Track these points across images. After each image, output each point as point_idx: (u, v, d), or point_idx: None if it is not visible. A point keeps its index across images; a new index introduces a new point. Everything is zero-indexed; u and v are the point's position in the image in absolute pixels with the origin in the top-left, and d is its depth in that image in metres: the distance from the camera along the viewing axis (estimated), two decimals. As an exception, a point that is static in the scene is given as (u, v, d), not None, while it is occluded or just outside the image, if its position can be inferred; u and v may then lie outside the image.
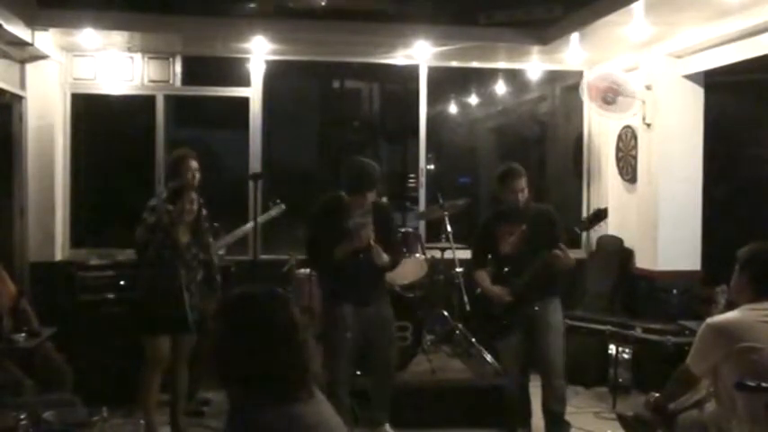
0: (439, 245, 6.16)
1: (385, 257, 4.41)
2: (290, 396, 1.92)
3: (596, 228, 4.58)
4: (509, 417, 4.72)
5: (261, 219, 5.42)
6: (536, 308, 4.48)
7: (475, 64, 6.96)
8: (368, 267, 4.40)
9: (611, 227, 6.56)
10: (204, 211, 4.65)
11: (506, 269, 4.54)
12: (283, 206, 5.67)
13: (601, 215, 4.46)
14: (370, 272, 4.43)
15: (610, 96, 5.97)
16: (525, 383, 4.68)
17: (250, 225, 5.41)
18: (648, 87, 5.92)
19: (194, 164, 4.72)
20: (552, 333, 4.50)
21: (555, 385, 4.51)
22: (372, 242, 4.35)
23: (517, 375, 4.62)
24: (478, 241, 4.75)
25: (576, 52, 6.19)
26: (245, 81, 6.61)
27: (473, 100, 8.52)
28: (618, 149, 6.56)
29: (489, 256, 4.67)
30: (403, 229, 6.01)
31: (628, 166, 6.37)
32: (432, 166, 7.47)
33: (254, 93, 6.61)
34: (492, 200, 5.11)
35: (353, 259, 4.37)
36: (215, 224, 5.02)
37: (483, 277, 4.63)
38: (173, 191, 4.48)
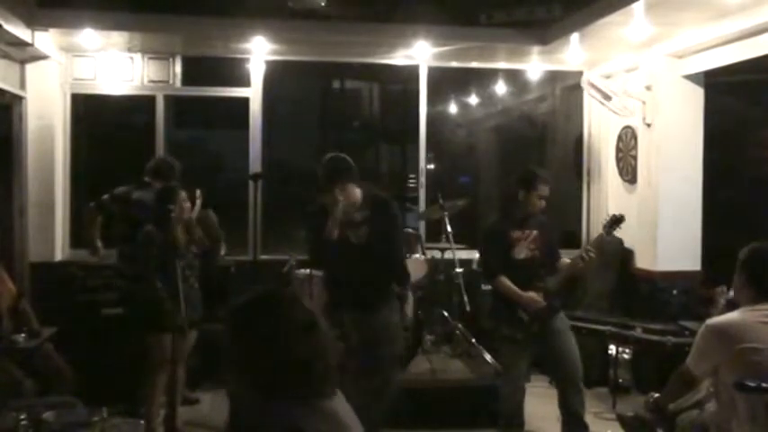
0: (439, 245, 6.16)
1: None
2: (318, 392, 1.92)
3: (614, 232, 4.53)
4: (507, 422, 4.55)
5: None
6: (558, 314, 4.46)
7: (475, 64, 6.96)
8: (368, 269, 4.13)
9: (611, 227, 6.56)
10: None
11: (519, 274, 4.39)
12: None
13: (620, 220, 4.43)
14: (370, 274, 4.14)
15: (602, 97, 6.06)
16: (524, 389, 4.61)
17: None
18: (648, 87, 5.92)
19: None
20: (571, 337, 4.49)
21: (579, 387, 4.46)
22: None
23: (522, 380, 4.55)
24: (494, 245, 4.51)
25: (576, 52, 6.19)
26: (245, 81, 6.60)
27: (473, 100, 8.53)
28: (618, 149, 6.56)
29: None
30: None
31: (628, 166, 6.37)
32: (432, 166, 7.48)
33: (254, 93, 6.60)
34: (505, 201, 4.86)
35: (350, 259, 4.11)
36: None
37: (508, 283, 4.39)
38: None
